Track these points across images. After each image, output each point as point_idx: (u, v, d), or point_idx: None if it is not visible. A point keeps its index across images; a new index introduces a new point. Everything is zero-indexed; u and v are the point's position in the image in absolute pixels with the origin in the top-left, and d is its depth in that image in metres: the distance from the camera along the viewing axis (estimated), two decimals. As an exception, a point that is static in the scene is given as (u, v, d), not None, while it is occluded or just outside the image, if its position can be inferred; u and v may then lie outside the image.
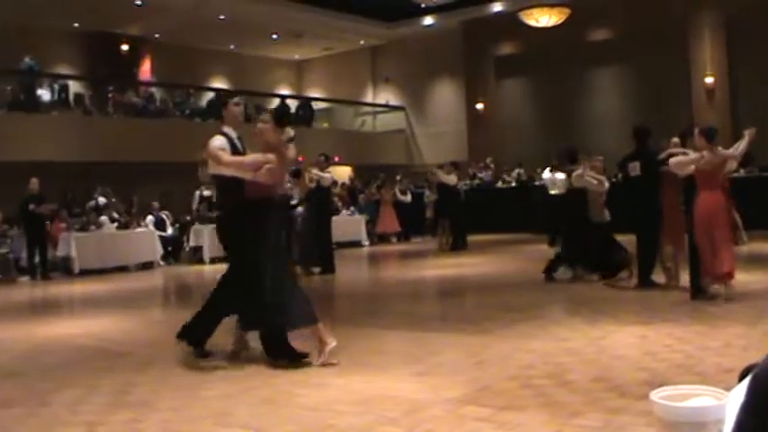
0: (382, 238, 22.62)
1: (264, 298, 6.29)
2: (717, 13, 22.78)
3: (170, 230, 19.21)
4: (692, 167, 8.89)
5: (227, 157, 6.50)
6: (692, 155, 8.98)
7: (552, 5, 22.41)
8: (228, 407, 5.18)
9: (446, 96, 28.87)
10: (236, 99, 7.28)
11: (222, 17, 24.65)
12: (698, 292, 9.04)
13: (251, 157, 6.59)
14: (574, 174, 11.40)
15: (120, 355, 7.38)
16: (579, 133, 25.01)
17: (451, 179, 18.47)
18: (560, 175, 17.53)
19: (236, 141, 6.79)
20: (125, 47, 25.92)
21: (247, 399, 5.38)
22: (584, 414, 4.60)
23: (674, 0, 22.61)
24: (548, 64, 25.81)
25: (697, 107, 23.17)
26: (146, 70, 26.72)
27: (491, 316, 8.64)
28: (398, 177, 23.98)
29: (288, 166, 6.87)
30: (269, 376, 6.03)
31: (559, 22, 22.42)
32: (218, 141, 6.59)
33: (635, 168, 10.08)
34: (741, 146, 9.02)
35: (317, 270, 14.50)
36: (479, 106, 27.45)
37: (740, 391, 0.73)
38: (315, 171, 14.60)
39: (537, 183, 20.23)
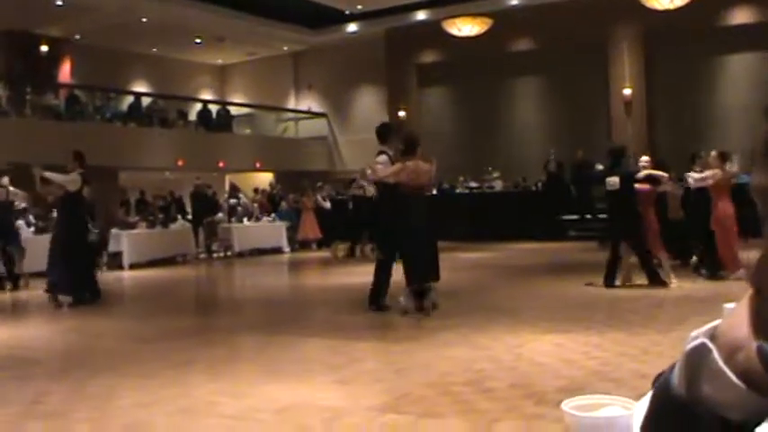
0: (303, 245, 22.49)
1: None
2: (635, 27, 23.22)
3: (92, 236, 18.77)
4: (710, 181, 11.23)
5: (382, 172, 9.60)
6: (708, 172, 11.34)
7: (475, 15, 22.62)
8: (145, 417, 5.10)
9: (368, 103, 28.84)
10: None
11: (145, 20, 24.27)
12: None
13: (390, 169, 9.53)
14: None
15: (33, 364, 7.20)
16: (500, 141, 25.31)
17: (369, 190, 18.48)
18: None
19: (391, 156, 9.86)
20: (44, 48, 25.31)
21: (164, 408, 5.29)
22: (502, 421, 4.65)
23: (594, 12, 23.01)
24: (470, 73, 25.98)
25: (615, 118, 23.63)
26: (65, 72, 26.17)
27: (413, 323, 8.67)
28: (320, 184, 23.84)
29: (416, 172, 9.55)
30: (186, 386, 5.95)
31: (482, 31, 22.62)
32: (381, 158, 9.72)
33: (615, 183, 11.10)
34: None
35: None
36: (401, 114, 27.51)
37: (645, 401, 0.75)
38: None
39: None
